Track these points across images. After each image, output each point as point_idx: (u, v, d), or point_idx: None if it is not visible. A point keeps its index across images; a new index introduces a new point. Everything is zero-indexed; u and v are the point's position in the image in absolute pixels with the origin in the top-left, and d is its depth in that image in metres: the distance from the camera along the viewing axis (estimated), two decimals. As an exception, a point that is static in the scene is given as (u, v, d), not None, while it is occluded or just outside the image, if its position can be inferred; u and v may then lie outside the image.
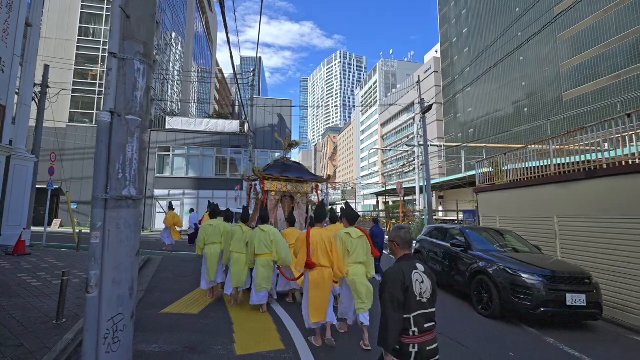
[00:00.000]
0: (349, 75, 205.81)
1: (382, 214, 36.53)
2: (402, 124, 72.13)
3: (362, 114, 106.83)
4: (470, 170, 27.67)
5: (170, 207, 13.00)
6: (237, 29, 10.64)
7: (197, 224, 14.14)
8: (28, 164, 10.73)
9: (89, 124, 21.89)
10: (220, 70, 73.04)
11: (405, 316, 1.95)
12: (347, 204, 4.84)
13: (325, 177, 7.81)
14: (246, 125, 22.43)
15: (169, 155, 22.51)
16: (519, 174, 8.59)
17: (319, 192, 7.81)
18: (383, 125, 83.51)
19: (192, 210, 14.36)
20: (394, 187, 31.89)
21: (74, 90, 21.89)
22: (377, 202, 57.46)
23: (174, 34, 29.02)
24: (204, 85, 51.51)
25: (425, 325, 1.99)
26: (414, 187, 32.05)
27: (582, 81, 34.02)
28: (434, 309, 2.07)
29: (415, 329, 1.96)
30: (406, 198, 55.72)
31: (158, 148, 22.25)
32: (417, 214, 17.99)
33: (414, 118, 66.07)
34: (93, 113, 22.11)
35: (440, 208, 35.35)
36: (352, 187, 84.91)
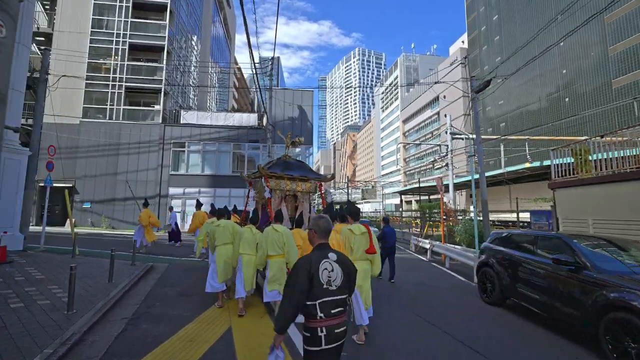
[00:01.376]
0: (368, 73, 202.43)
1: (412, 214, 34.17)
2: (425, 119, 68.99)
3: (383, 111, 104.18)
4: (509, 166, 24.98)
5: (146, 204, 11.67)
6: (256, 27, 9.00)
7: (177, 223, 13.22)
8: (21, 157, 9.51)
9: (102, 119, 21.02)
10: (239, 69, 72.48)
11: (310, 303, 2.08)
12: (349, 201, 5.00)
13: (329, 177, 7.59)
14: (265, 118, 20.90)
15: (184, 151, 21.33)
16: (627, 163, 6.40)
17: (323, 191, 7.59)
18: (405, 121, 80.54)
19: (171, 209, 13.32)
20: (423, 184, 29.50)
21: (87, 85, 21.08)
22: (401, 200, 54.91)
23: (190, 28, 27.96)
24: (221, 83, 50.77)
25: (333, 311, 2.12)
26: (446, 185, 29.55)
27: (636, 66, 30.39)
28: (344, 296, 2.20)
29: (322, 314, 2.08)
30: (432, 197, 52.79)
31: (172, 144, 21.10)
32: (460, 214, 15.77)
33: (438, 113, 63.02)
34: (106, 108, 21.23)
35: (471, 208, 32.78)
36: (373, 186, 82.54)
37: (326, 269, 2.14)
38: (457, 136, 23.65)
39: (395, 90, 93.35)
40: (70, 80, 20.80)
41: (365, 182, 72.48)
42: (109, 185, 20.53)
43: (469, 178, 24.41)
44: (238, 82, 70.30)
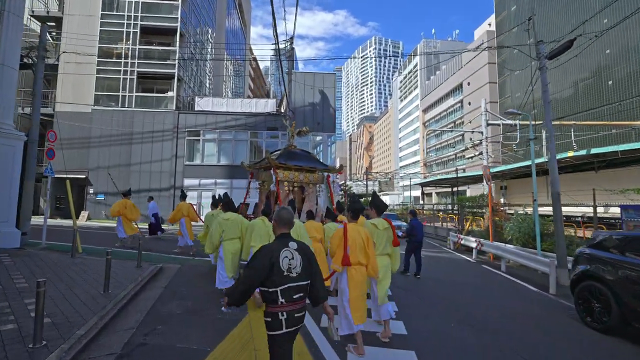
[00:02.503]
0: (385, 62, 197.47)
1: (441, 207, 32.20)
2: (447, 108, 65.84)
3: (401, 101, 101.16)
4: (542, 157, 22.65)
5: (126, 194, 10.62)
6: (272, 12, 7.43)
7: (156, 215, 12.40)
8: (15, 143, 8.40)
9: (115, 107, 20.07)
10: (255, 59, 71.12)
11: (272, 290, 2.19)
12: (374, 193, 4.68)
13: (337, 168, 7.47)
14: (284, 104, 19.41)
15: (199, 140, 20.17)
16: None
17: (330, 182, 7.42)
18: (425, 111, 77.48)
19: (151, 199, 12.55)
20: (461, 174, 27.38)
21: (98, 71, 20.13)
22: (422, 193, 52.69)
23: (204, 10, 26.59)
24: (237, 72, 49.55)
25: (294, 296, 2.24)
26: (471, 177, 27.35)
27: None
28: (306, 282, 2.32)
29: (283, 300, 2.20)
30: (454, 189, 50.33)
31: (187, 132, 19.96)
32: (505, 208, 13.89)
33: (461, 101, 59.82)
34: (119, 95, 20.25)
35: (502, 200, 30.50)
36: (390, 178, 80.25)
37: (287, 257, 2.27)
38: (492, 122, 21.50)
39: (414, 78, 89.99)
40: (81, 67, 19.92)
41: (385, 173, 70.08)
42: (122, 177, 19.66)
43: (502, 168, 22.14)
44: (253, 72, 69.02)
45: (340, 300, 3.76)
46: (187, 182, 19.67)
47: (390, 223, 4.40)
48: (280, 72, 12.70)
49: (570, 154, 16.66)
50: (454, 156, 62.90)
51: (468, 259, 11.14)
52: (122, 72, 20.32)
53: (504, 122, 21.28)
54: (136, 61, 20.41)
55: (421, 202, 57.67)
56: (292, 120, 17.32)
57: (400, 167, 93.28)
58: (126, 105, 20.00)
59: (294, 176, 6.64)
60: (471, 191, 52.63)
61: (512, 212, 13.38)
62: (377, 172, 65.89)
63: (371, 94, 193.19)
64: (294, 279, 2.25)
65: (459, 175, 26.96)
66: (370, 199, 4.71)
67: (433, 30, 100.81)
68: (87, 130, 19.63)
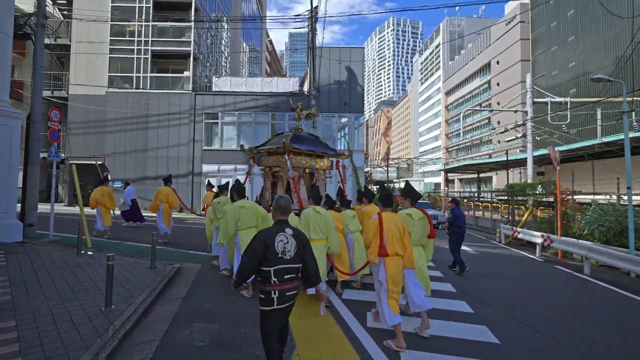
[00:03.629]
0: (403, 44, 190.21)
1: (470, 194, 30.17)
2: (472, 90, 62.20)
3: (421, 84, 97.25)
4: (585, 140, 20.13)
5: (105, 180, 9.71)
6: None
7: (135, 201, 11.72)
8: (11, 122, 7.28)
9: (129, 89, 19.01)
10: (270, 42, 69.05)
11: (265, 269, 2.44)
12: (407, 182, 4.52)
13: (347, 153, 7.24)
14: (306, 83, 17.81)
15: (217, 123, 18.93)
16: None
17: (340, 168, 7.08)
18: (448, 93, 73.78)
19: (127, 184, 11.73)
20: (475, 161, 25.23)
21: (111, 51, 19.02)
22: (446, 179, 50.37)
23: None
24: (254, 59, 47.89)
25: (286, 276, 2.48)
26: (506, 161, 25.11)
27: None
28: (298, 264, 2.56)
29: (275, 279, 2.44)
30: (482, 175, 47.75)
31: (205, 115, 18.73)
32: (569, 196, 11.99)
33: (489, 82, 56.14)
34: (133, 76, 19.14)
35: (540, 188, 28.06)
36: (409, 165, 77.65)
37: (282, 240, 2.50)
38: (539, 100, 19.20)
39: (436, 59, 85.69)
40: (94, 46, 18.88)
41: (407, 159, 67.60)
42: (139, 162, 18.78)
43: (572, 147, 19.65)
44: (270, 55, 67.05)
45: (378, 293, 3.65)
46: (206, 168, 18.60)
47: (425, 213, 4.34)
48: (312, 42, 11.06)
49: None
50: (479, 141, 59.82)
51: (530, 256, 9.52)
52: (135, 52, 19.14)
53: (553, 99, 18.97)
54: (150, 39, 19.15)
55: (443, 188, 55.38)
56: (317, 100, 15.75)
57: (420, 152, 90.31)
58: (141, 87, 18.90)
59: (305, 162, 6.18)
60: (498, 178, 49.93)
61: (584, 201, 11.49)
62: (397, 158, 63.46)
63: (389, 77, 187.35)
64: (287, 261, 2.49)
65: (491, 160, 24.80)
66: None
67: (457, 7, 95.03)
68: (102, 113, 18.72)
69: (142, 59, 19.14)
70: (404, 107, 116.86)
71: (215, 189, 8.95)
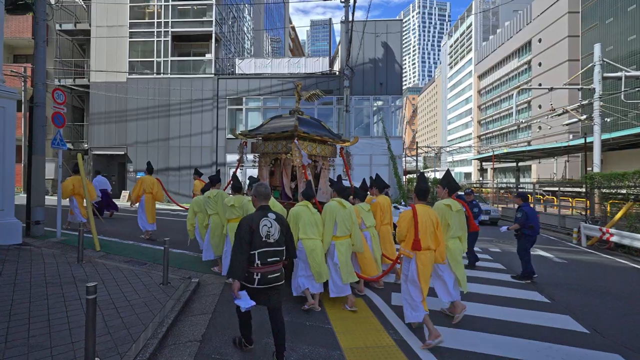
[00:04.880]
0: (429, 27, 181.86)
1: (507, 185, 27.38)
2: (509, 72, 57.55)
3: (450, 68, 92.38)
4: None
5: (75, 169, 8.40)
6: None
7: (105, 191, 10.84)
8: (4, 103, 6.11)
9: (150, 74, 18.00)
10: (293, 28, 67.05)
11: (251, 252, 2.59)
12: (448, 171, 4.27)
13: (352, 140, 6.37)
14: (337, 63, 16.02)
15: (241, 109, 17.61)
16: None
17: (345, 155, 6.28)
18: (480, 77, 69.11)
19: (97, 173, 10.75)
20: (513, 148, 22.45)
21: (131, 35, 18.03)
22: (482, 168, 47.12)
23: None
24: (276, 47, 46.30)
25: (269, 260, 2.65)
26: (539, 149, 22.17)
27: None
28: (281, 248, 2.75)
29: (259, 262, 2.61)
30: (521, 164, 44.14)
31: (228, 100, 17.43)
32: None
33: (529, 62, 51.53)
34: (153, 61, 18.10)
35: None
36: (436, 153, 74.01)
37: (265, 225, 2.66)
38: (610, 75, 16.37)
39: (467, 41, 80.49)
40: (113, 30, 17.95)
41: (438, 147, 64.14)
42: (161, 153, 17.88)
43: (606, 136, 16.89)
44: (292, 42, 65.16)
45: (406, 287, 3.56)
46: (230, 157, 17.41)
47: (465, 205, 4.26)
48: (351, 13, 9.27)
49: None
50: (516, 127, 55.57)
51: (635, 265, 7.48)
52: (155, 34, 18.04)
53: (628, 73, 16.10)
54: (170, 20, 17.97)
55: (478, 178, 52.01)
56: (351, 80, 13.98)
57: (449, 141, 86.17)
58: (162, 72, 17.85)
59: (312, 148, 5.55)
60: (538, 167, 46.13)
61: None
62: (428, 147, 60.39)
63: (414, 63, 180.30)
64: (271, 244, 2.67)
65: (545, 146, 22.00)
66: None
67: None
68: (123, 102, 17.88)
69: (162, 42, 18.02)
70: (430, 94, 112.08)
71: (203, 178, 7.88)
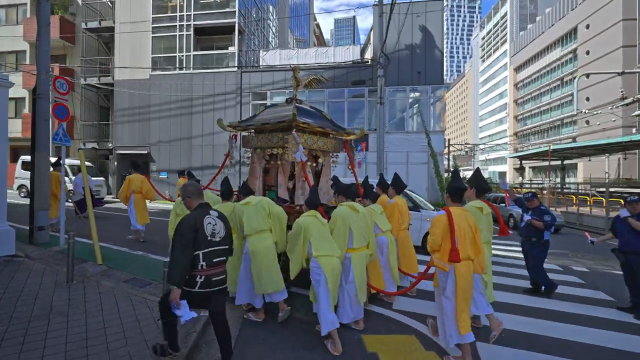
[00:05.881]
0: (458, 20, 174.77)
1: (550, 184, 24.56)
2: (551, 62, 53.17)
3: (482, 62, 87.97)
4: None
5: (56, 164, 7.57)
6: None
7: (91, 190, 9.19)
8: (-7, 89, 5.24)
9: (172, 70, 17.38)
10: (318, 26, 66.00)
11: (195, 253, 2.33)
12: (477, 171, 3.84)
13: (359, 132, 5.56)
14: (368, 52, 14.52)
15: (265, 104, 16.56)
16: None
17: (350, 150, 5.57)
18: (517, 69, 64.74)
19: (78, 171, 10.08)
20: (557, 145, 19.87)
21: (153, 30, 17.48)
22: (521, 167, 43.62)
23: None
24: (300, 40, 45.33)
25: (214, 260, 2.44)
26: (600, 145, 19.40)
27: None
28: (226, 246, 2.58)
29: (204, 263, 2.38)
30: (566, 162, 40.39)
31: (252, 95, 16.43)
32: None
33: (574, 50, 47.18)
34: (176, 56, 17.45)
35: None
36: (467, 152, 70.31)
37: (210, 223, 2.45)
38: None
39: (502, 32, 75.94)
40: (136, 26, 17.51)
41: (474, 145, 60.56)
42: (184, 151, 17.21)
43: None
44: (317, 40, 64.08)
45: (441, 307, 3.07)
46: (254, 156, 16.38)
47: (493, 207, 3.90)
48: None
49: None
50: (559, 122, 51.26)
51: None
52: (178, 28, 17.39)
53: None
54: (192, 13, 17.24)
55: (516, 178, 48.44)
56: (385, 69, 12.46)
57: (480, 138, 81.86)
58: (184, 68, 17.18)
59: (312, 142, 4.80)
60: (585, 165, 42.01)
61: None
62: (466, 144, 57.01)
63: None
64: (217, 242, 2.46)
65: (609, 141, 19.22)
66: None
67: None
68: (146, 99, 17.38)
69: (184, 36, 17.34)
70: (460, 90, 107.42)
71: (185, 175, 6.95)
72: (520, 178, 41.73)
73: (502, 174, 72.17)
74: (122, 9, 17.83)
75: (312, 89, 15.94)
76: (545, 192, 17.52)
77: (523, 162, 45.81)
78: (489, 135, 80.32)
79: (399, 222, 4.64)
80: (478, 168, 3.92)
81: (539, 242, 4.93)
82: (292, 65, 5.74)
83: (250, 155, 5.27)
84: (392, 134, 14.94)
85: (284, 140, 4.48)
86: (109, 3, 19.44)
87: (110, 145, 18.37)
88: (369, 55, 16.46)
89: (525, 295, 4.97)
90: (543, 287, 5.01)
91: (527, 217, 5.01)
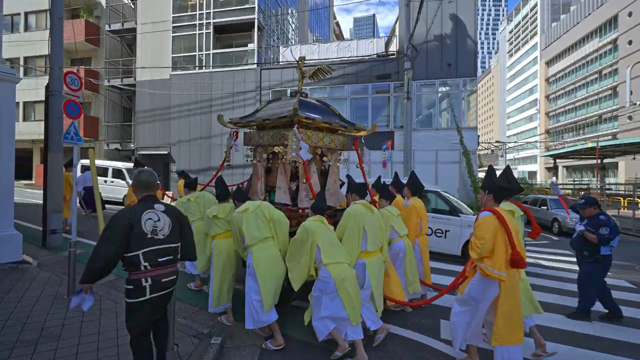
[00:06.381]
0: (483, 15, 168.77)
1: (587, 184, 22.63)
2: (587, 54, 49.79)
3: (510, 56, 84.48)
4: None
5: (68, 165, 7.25)
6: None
7: (89, 188, 9.33)
8: (1, 86, 4.90)
9: (192, 69, 17.21)
10: (338, 24, 65.30)
11: (132, 253, 2.03)
12: (508, 169, 3.14)
13: (370, 129, 5.00)
14: (394, 43, 13.65)
15: (285, 102, 16.04)
16: None
17: (359, 148, 5.04)
18: (549, 63, 61.29)
19: (86, 169, 9.81)
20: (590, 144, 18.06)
21: (174, 30, 17.38)
22: (555, 166, 41.07)
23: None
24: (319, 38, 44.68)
25: (160, 260, 2.10)
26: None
27: None
28: (175, 244, 2.22)
29: (146, 264, 2.04)
30: (606, 161, 37.62)
31: (271, 93, 15.96)
32: None
33: (614, 41, 43.85)
34: (195, 55, 17.26)
35: None
36: (493, 150, 67.27)
37: (151, 218, 2.13)
38: None
39: (532, 24, 72.26)
40: (157, 26, 17.48)
41: (504, 143, 57.91)
42: (204, 151, 16.99)
43: None
44: (337, 38, 63.35)
45: (496, 318, 2.71)
46: (274, 156, 15.91)
47: (525, 209, 3.77)
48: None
49: None
50: (597, 118, 47.90)
51: None
52: (197, 27, 17.20)
53: None
54: (212, 10, 17.01)
55: (551, 178, 45.59)
56: (413, 62, 11.60)
57: (508, 137, 78.34)
58: (204, 66, 16.97)
59: (317, 138, 4.28)
60: (628, 165, 38.88)
61: None
62: (484, 142, 54.57)
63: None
64: (160, 241, 2.14)
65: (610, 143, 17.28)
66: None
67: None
68: (167, 99, 17.30)
69: (204, 35, 17.13)
70: (485, 87, 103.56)
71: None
72: (554, 178, 39.23)
73: (532, 174, 68.69)
74: (144, 9, 17.86)
75: (334, 86, 15.21)
76: (591, 193, 15.97)
77: (557, 161, 43.07)
78: (517, 134, 76.94)
79: (416, 226, 4.31)
80: (508, 166, 3.45)
81: (592, 258, 4.04)
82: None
83: (252, 153, 4.88)
84: (419, 131, 14.01)
85: (285, 137, 4.07)
86: (131, 5, 19.60)
87: (132, 146, 18.46)
88: (393, 48, 15.56)
89: (601, 321, 4.09)
90: (582, 309, 4.14)
91: (579, 227, 4.15)
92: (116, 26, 18.80)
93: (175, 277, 2.22)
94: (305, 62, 4.99)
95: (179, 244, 2.27)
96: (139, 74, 17.86)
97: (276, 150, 4.22)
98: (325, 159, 4.73)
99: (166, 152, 17.45)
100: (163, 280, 2.10)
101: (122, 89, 19.14)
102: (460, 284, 3.02)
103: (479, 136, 13.93)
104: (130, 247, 2.03)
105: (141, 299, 2.03)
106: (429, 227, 6.79)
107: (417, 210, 4.34)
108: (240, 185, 5.73)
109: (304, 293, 3.46)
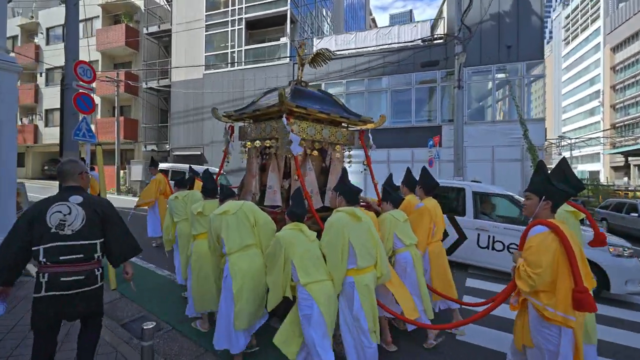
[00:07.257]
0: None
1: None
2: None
3: (566, 44, 77.23)
4: None
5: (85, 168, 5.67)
6: None
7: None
8: (2, 75, 4.34)
9: (224, 68, 16.80)
10: (374, 20, 63.45)
11: (34, 248, 1.93)
12: (563, 161, 2.51)
13: (378, 121, 4.35)
14: (440, 27, 12.03)
15: (320, 97, 15.02)
16: None
17: (366, 143, 4.48)
18: (615, 50, 54.60)
19: (93, 168, 8.93)
20: None
21: (207, 28, 17.12)
22: (626, 164, 36.00)
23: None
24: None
25: (62, 257, 1.94)
26: None
27: None
28: (88, 241, 2.03)
29: (45, 259, 1.92)
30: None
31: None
32: None
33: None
34: (228, 53, 16.84)
35: None
36: (547, 149, 61.20)
37: (60, 211, 1.98)
38: None
39: (594, 7, 65.01)
40: (191, 26, 17.34)
41: (567, 138, 52.48)
42: (235, 152, 16.47)
43: None
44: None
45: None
46: (308, 155, 14.95)
47: (585, 212, 2.95)
48: None
49: None
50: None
51: None
52: (230, 24, 16.79)
53: None
54: (243, 6, 16.49)
55: (612, 179, 40.23)
56: (465, 45, 9.98)
57: (564, 132, 71.18)
58: (236, 62, 16.51)
59: (315, 131, 3.79)
60: None
61: None
62: (563, 138, 49.38)
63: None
64: (66, 237, 1.96)
65: None
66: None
67: None
68: (200, 100, 17.10)
69: (236, 31, 16.66)
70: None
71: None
72: (627, 179, 34.36)
73: (594, 173, 61.69)
74: (178, 10, 17.85)
75: (372, 78, 13.85)
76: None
77: (615, 160, 37.57)
78: (574, 129, 69.85)
79: (430, 232, 3.60)
80: (564, 158, 2.77)
81: None
82: (298, 42, 5.15)
83: (247, 149, 4.35)
84: (471, 124, 12.24)
85: (276, 129, 3.67)
86: (167, 6, 19.75)
87: (168, 147, 18.54)
88: (440, 32, 13.88)
89: None
90: None
91: None
92: (153, 28, 19.02)
93: (82, 277, 1.97)
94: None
95: (97, 241, 2.05)
96: (173, 74, 17.87)
97: (267, 144, 3.77)
98: (328, 154, 4.13)
99: (199, 153, 17.24)
100: (62, 279, 1.92)
101: (159, 90, 19.34)
102: (490, 310, 2.36)
103: (546, 129, 11.84)
104: (33, 241, 1.93)
105: (37, 295, 1.93)
106: (499, 242, 5.41)
107: (430, 212, 3.59)
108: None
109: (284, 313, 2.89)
